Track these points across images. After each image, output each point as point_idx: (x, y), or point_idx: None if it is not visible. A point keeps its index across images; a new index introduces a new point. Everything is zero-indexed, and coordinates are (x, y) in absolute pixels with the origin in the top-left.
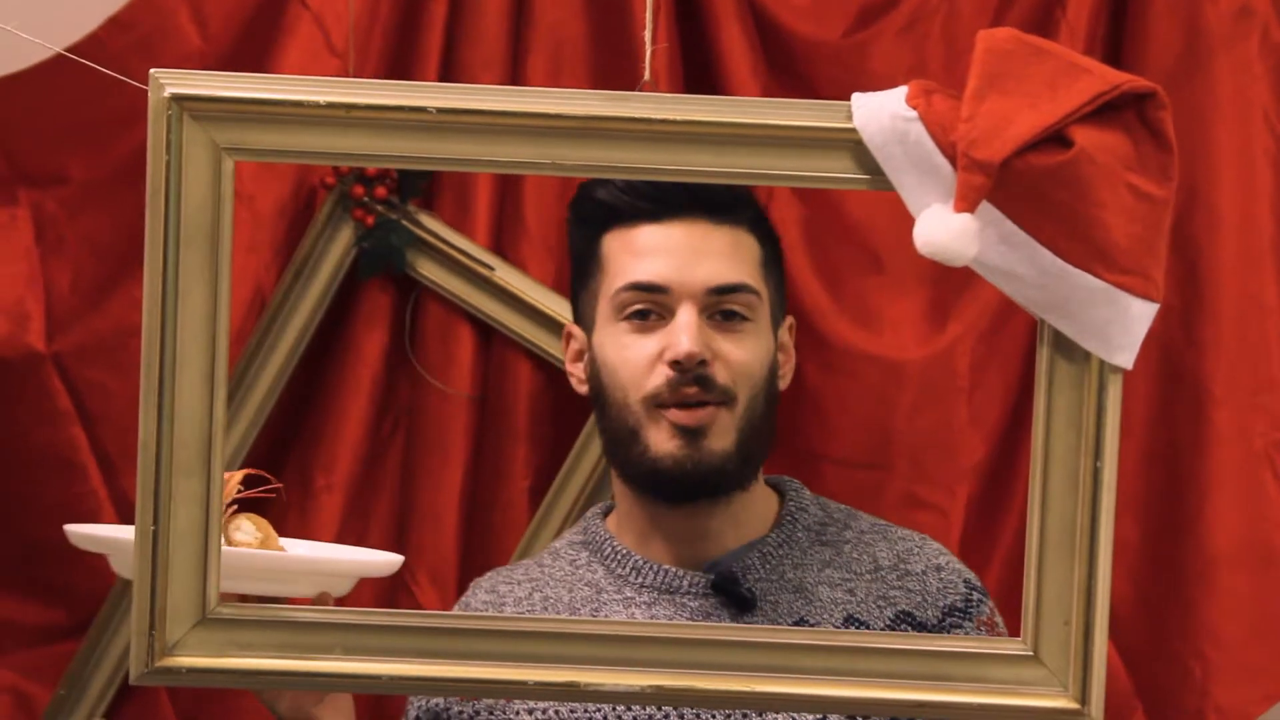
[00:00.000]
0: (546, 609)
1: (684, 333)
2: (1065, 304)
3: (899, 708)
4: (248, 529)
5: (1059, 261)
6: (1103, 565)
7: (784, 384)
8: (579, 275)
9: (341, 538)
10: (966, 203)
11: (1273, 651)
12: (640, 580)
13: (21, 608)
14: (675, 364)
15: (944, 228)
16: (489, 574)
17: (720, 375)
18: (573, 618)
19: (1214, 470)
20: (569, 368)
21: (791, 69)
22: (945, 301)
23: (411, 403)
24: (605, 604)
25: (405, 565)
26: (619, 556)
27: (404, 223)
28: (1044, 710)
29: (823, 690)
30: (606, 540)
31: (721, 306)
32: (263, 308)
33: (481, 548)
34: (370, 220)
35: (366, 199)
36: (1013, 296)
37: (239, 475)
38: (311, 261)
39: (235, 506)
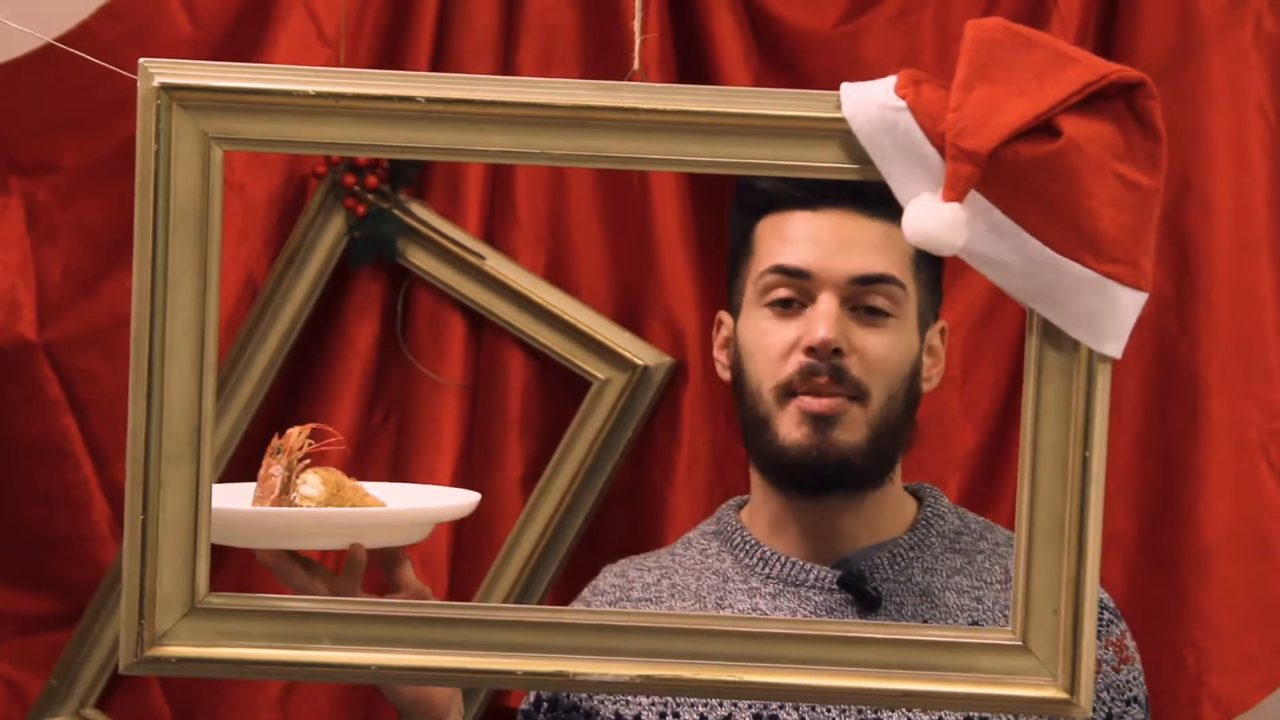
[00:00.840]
0: (674, 596)
1: (821, 320)
2: (1054, 293)
3: (888, 697)
4: (314, 482)
5: (1047, 251)
6: (1092, 555)
7: (930, 386)
8: (733, 261)
9: None
10: (955, 192)
11: (1267, 640)
12: (766, 571)
13: (12, 597)
14: (810, 350)
15: (933, 217)
16: (622, 560)
17: (854, 368)
18: (558, 608)
19: (1208, 459)
20: (716, 354)
21: (783, 59)
22: None
23: (403, 392)
24: (731, 593)
25: None
26: (748, 546)
27: (395, 212)
28: (1033, 700)
29: (811, 680)
30: (737, 530)
31: (864, 299)
32: (254, 297)
33: (473, 537)
34: (361, 209)
35: (357, 188)
36: (1001, 286)
37: (306, 430)
38: (303, 251)
39: (308, 461)
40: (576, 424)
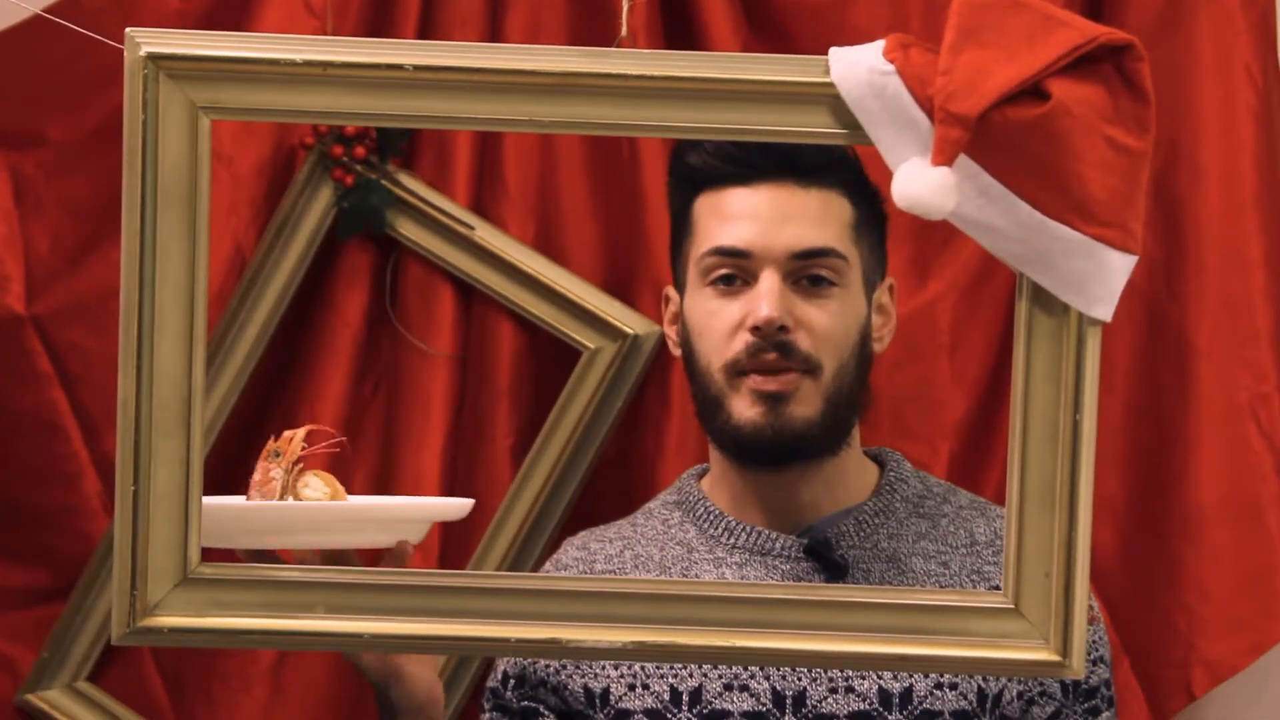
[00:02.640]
0: (637, 567)
1: (764, 299)
2: (1043, 257)
3: (880, 661)
4: (316, 485)
5: (1037, 214)
6: (1083, 518)
7: (881, 347)
8: (675, 237)
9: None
10: (944, 156)
11: (1258, 604)
12: (732, 541)
13: (4, 571)
14: (755, 330)
15: (922, 181)
16: (583, 532)
17: (802, 343)
18: (552, 575)
19: (1198, 424)
20: (666, 329)
21: (772, 25)
22: (926, 258)
23: (392, 362)
24: (696, 563)
25: None
26: (712, 517)
27: (384, 182)
28: (1025, 663)
29: (803, 645)
30: (700, 500)
31: (806, 272)
32: (243, 268)
33: None
34: (350, 180)
35: (346, 159)
36: (991, 250)
37: (301, 432)
38: (291, 222)
39: (301, 464)
40: (567, 393)
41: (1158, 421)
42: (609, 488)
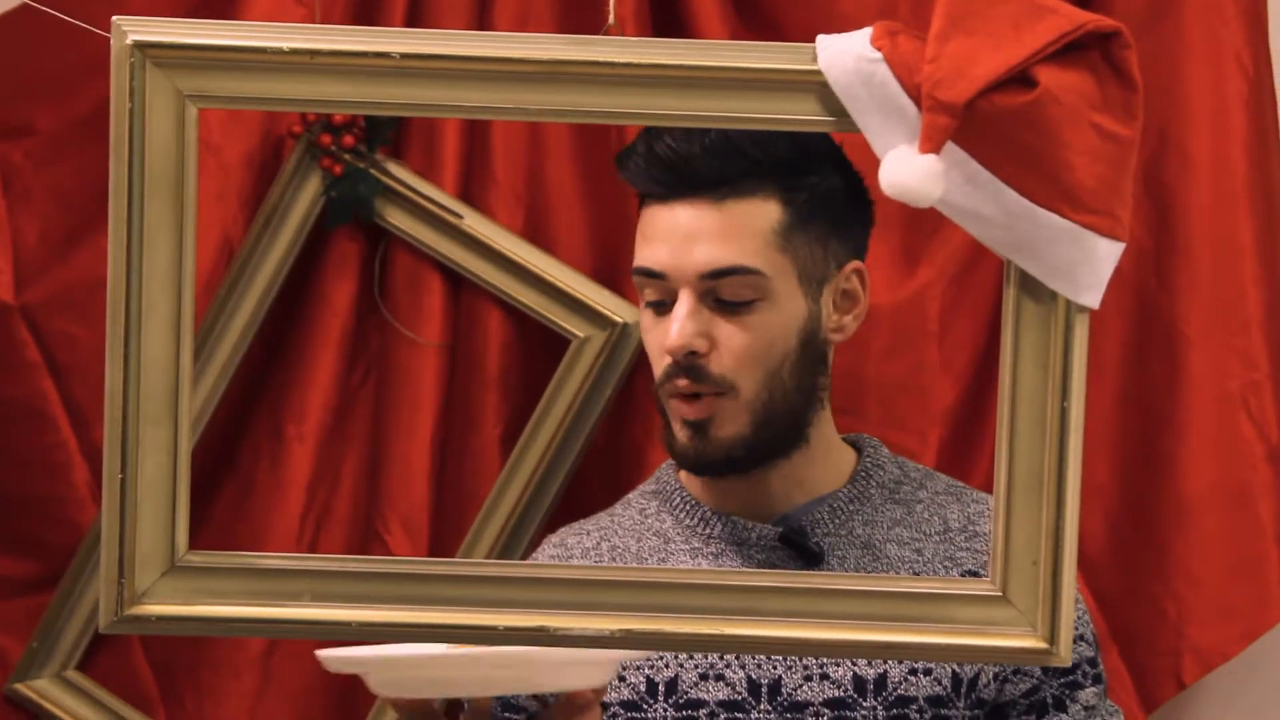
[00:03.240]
0: (614, 558)
1: (675, 323)
2: (1031, 244)
3: (867, 649)
4: None
5: (1024, 202)
6: (1071, 505)
7: (842, 337)
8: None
9: (313, 487)
10: (931, 144)
11: (1248, 591)
12: (708, 531)
13: None
14: (670, 353)
15: (909, 169)
16: (561, 529)
17: (715, 365)
18: (540, 563)
19: (1188, 412)
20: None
21: (760, 13)
22: (915, 246)
23: (381, 352)
24: (673, 554)
25: (377, 514)
26: (688, 506)
27: (372, 171)
28: (1012, 650)
29: (790, 632)
30: (676, 490)
31: (721, 294)
32: (231, 257)
33: (453, 496)
34: (338, 169)
35: (334, 148)
36: (979, 237)
37: None
38: (280, 211)
39: None
40: (556, 382)
41: (1148, 410)
42: (598, 476)
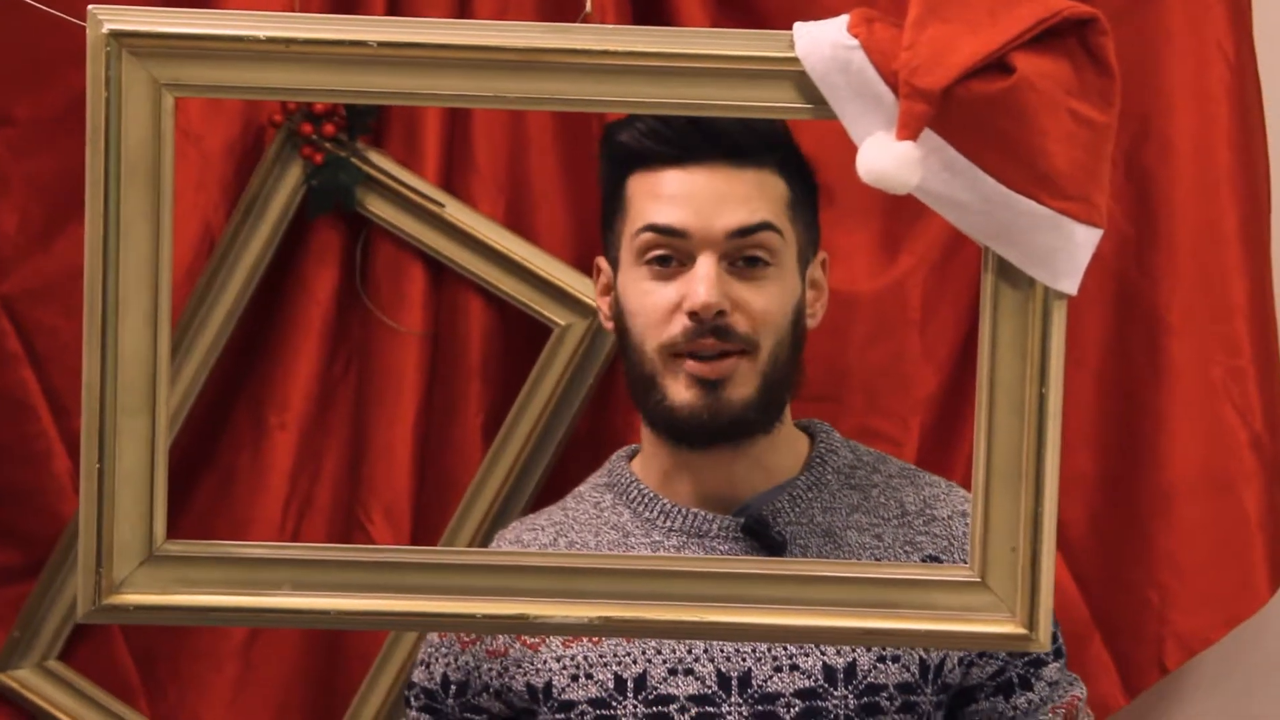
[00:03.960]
0: None
1: (701, 283)
2: (1009, 231)
3: (847, 635)
4: None
5: (1002, 188)
6: (1049, 491)
7: (814, 322)
8: (607, 213)
9: (295, 476)
10: (909, 130)
11: (1230, 578)
12: (668, 524)
13: None
14: (693, 315)
15: (887, 155)
16: (513, 524)
17: (740, 325)
18: (519, 550)
19: (1170, 399)
20: (598, 301)
21: (740, 1)
22: (896, 234)
23: (363, 341)
24: (632, 547)
25: (359, 503)
26: (645, 499)
27: (353, 160)
28: (992, 636)
29: (770, 619)
30: (632, 483)
31: (743, 252)
32: (212, 247)
33: (435, 485)
34: (319, 158)
35: (315, 137)
36: (957, 224)
37: None
38: (260, 200)
39: None
40: (538, 370)
41: (1130, 397)
42: (580, 464)
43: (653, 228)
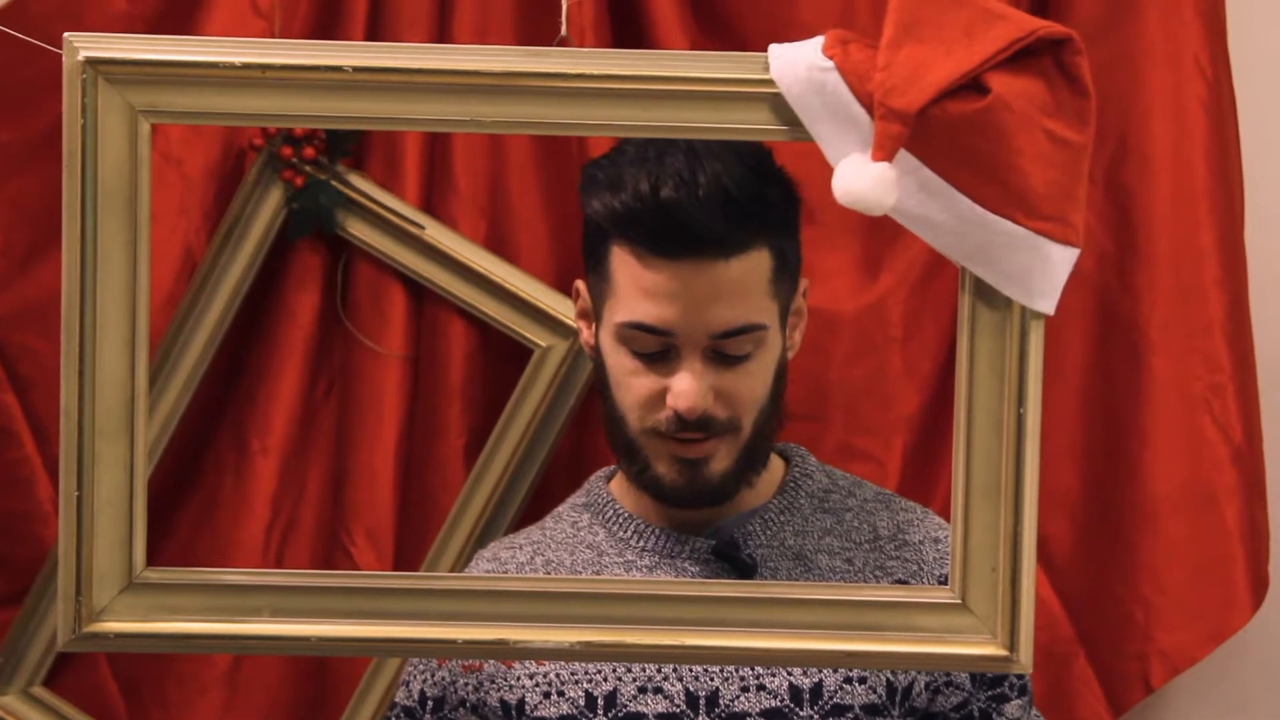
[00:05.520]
0: (549, 573)
1: (685, 390)
2: (985, 251)
3: (828, 658)
4: None
5: (978, 209)
6: (1028, 512)
7: (794, 352)
8: (590, 254)
9: (277, 499)
10: (884, 151)
11: (1215, 594)
12: (641, 544)
13: None
14: (677, 413)
15: (862, 177)
16: (492, 543)
17: (721, 412)
18: (498, 575)
19: (1152, 415)
20: (577, 322)
21: (719, 22)
22: (877, 253)
23: (345, 363)
24: (606, 567)
25: (342, 525)
26: (620, 519)
27: (333, 183)
28: (973, 658)
29: (752, 642)
30: (609, 503)
31: (728, 350)
32: (193, 270)
33: (418, 507)
34: (299, 181)
35: (295, 160)
36: (933, 245)
37: None
38: (241, 223)
39: None
40: (519, 392)
41: (1112, 413)
42: (563, 486)
43: (639, 326)
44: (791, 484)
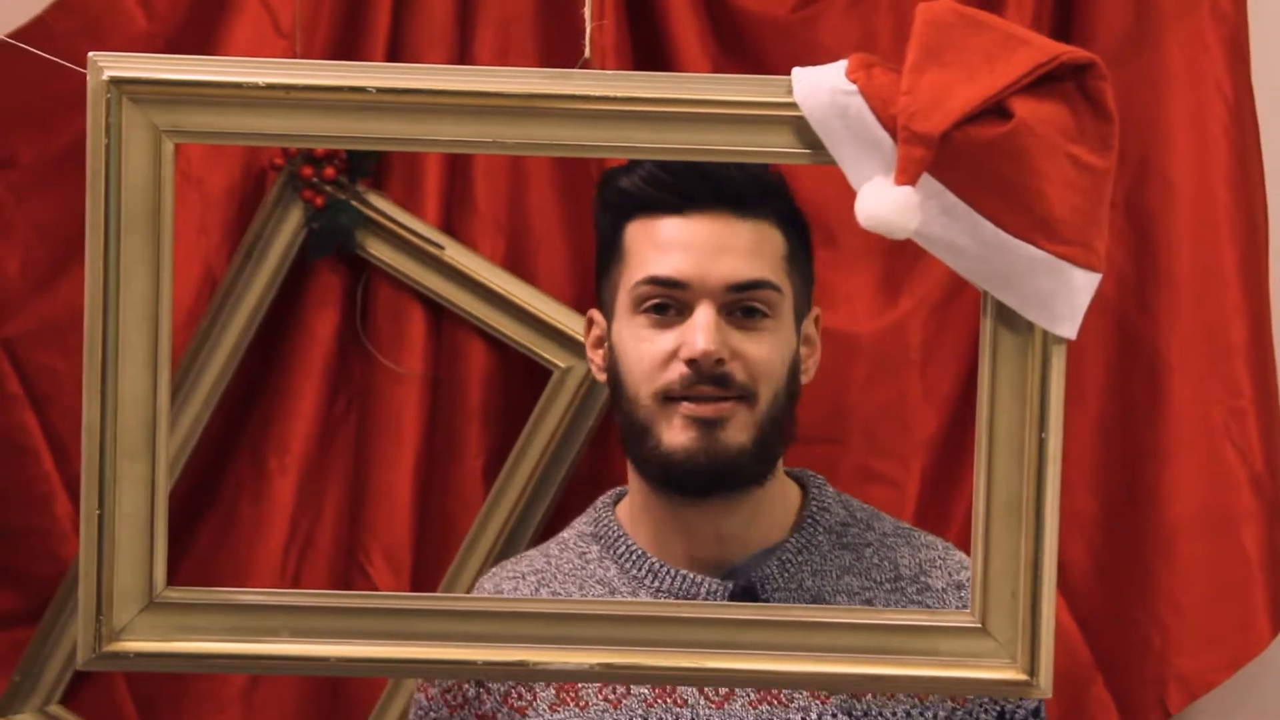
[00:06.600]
0: None
1: (700, 331)
2: (1008, 275)
3: (849, 681)
4: None
5: (1000, 233)
6: (1049, 536)
7: (808, 378)
8: (602, 261)
9: (296, 518)
10: (907, 175)
11: (1232, 619)
12: (657, 584)
13: None
14: (691, 363)
15: (885, 200)
16: (492, 570)
17: (739, 373)
18: (518, 597)
19: (1171, 439)
20: (590, 354)
21: (741, 46)
22: (897, 275)
23: (363, 383)
24: None
25: (360, 545)
26: (634, 557)
27: (354, 203)
28: (993, 682)
29: (771, 665)
30: (621, 538)
31: (741, 304)
32: (213, 289)
33: (436, 527)
34: (320, 201)
35: (316, 180)
36: (955, 268)
37: None
38: (262, 243)
39: None
40: (538, 413)
41: (1131, 437)
42: (581, 507)
43: (652, 279)
44: (809, 519)
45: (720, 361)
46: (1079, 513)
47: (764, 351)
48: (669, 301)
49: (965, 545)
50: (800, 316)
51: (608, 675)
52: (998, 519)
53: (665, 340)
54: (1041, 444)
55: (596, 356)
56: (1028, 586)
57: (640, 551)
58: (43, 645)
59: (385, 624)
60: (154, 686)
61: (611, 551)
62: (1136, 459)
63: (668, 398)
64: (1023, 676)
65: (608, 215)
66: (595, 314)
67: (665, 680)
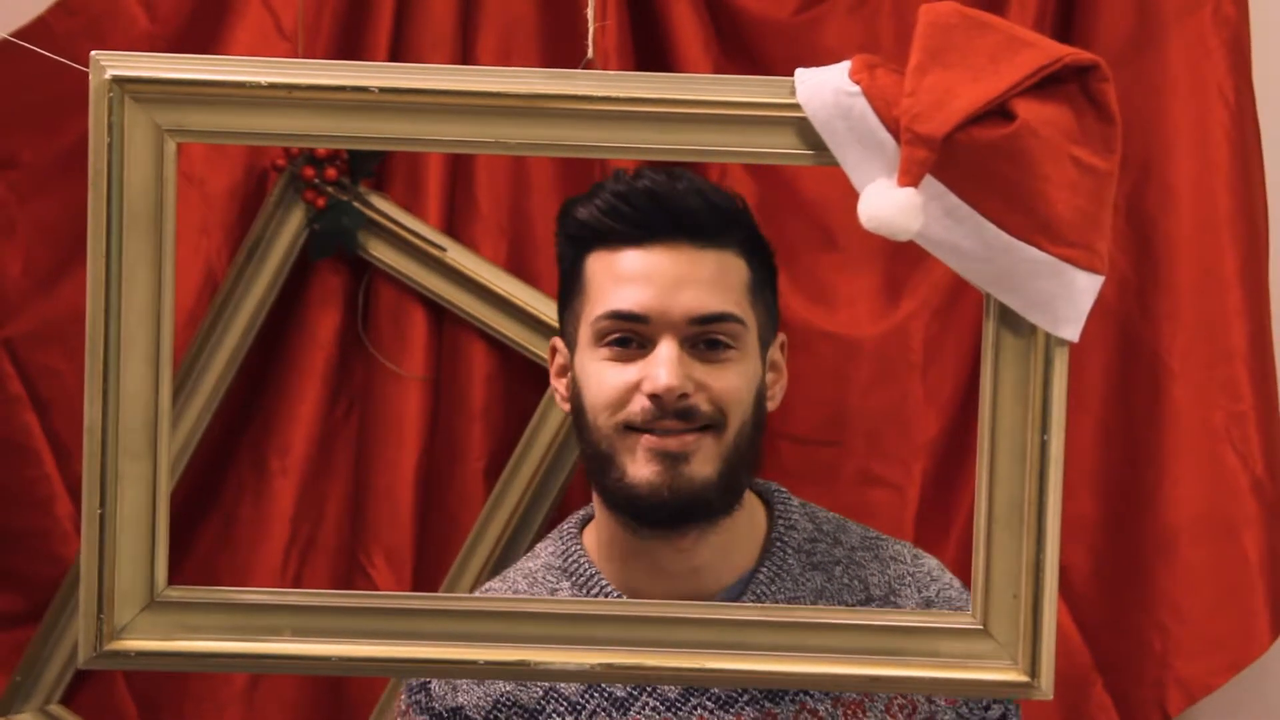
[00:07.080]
0: None
1: (663, 366)
2: (1010, 277)
3: (851, 682)
4: None
5: (1003, 235)
6: (1051, 538)
7: (774, 405)
8: (564, 292)
9: (297, 519)
10: (910, 177)
11: (1233, 623)
12: None
13: None
14: (654, 397)
15: (888, 202)
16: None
17: (704, 404)
18: (521, 597)
19: (1172, 443)
20: (554, 383)
21: (743, 47)
22: (899, 278)
23: (365, 384)
24: None
25: (361, 546)
26: (605, 596)
27: (355, 204)
28: (994, 683)
29: (774, 666)
30: (593, 577)
31: (705, 336)
32: (215, 290)
33: (437, 529)
34: (321, 202)
35: (317, 181)
36: (958, 270)
37: None
38: (263, 244)
39: None
40: (539, 414)
41: (1132, 441)
42: (581, 508)
43: (613, 314)
44: (778, 541)
45: (684, 396)
46: (1080, 516)
47: (729, 383)
48: (631, 335)
49: (967, 548)
50: (765, 344)
51: (609, 675)
52: (1000, 521)
53: (628, 373)
54: (1043, 446)
55: (560, 385)
56: (1029, 588)
57: (612, 591)
58: (43, 645)
59: (386, 624)
60: (154, 686)
61: (583, 590)
62: (1137, 463)
63: (629, 427)
64: (1024, 678)
65: (568, 246)
66: (558, 342)
67: (667, 681)
